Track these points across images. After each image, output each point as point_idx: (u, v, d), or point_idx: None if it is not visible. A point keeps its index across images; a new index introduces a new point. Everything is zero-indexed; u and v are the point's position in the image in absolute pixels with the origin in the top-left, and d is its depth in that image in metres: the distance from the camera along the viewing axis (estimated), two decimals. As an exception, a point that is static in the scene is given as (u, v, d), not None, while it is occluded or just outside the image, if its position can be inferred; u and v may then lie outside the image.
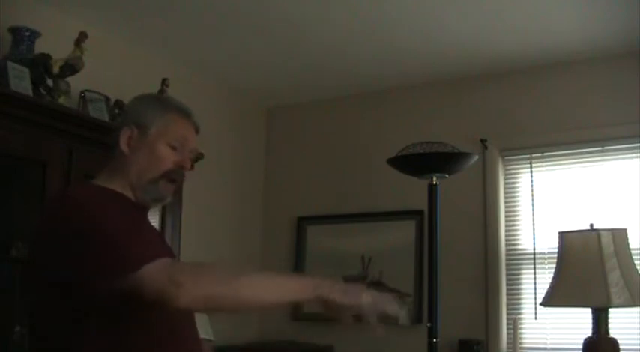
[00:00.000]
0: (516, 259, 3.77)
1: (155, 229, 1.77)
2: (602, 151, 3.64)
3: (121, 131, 1.63)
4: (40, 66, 2.79)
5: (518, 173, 3.86)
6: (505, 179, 3.87)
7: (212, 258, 3.96)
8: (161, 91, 3.27)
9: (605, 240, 3.03)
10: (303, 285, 1.45)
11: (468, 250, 3.81)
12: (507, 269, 3.77)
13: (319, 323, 4.14)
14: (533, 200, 3.76)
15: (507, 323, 3.69)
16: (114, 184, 1.60)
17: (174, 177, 1.63)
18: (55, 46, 2.91)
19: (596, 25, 3.32)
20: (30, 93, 2.67)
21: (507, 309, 3.73)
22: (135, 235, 1.41)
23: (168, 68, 3.68)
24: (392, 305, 1.51)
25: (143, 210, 1.66)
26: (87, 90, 3.05)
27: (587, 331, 3.09)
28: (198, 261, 1.42)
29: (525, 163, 3.83)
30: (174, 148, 1.62)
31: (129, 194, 1.62)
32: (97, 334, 1.40)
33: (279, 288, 1.43)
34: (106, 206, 1.47)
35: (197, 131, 1.70)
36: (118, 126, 1.67)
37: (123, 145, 1.61)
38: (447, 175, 3.16)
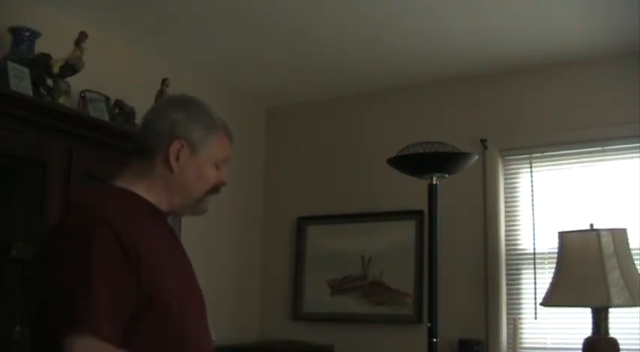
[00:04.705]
0: (516, 259, 3.77)
1: (170, 234, 1.72)
2: (602, 151, 3.64)
3: (167, 143, 1.59)
4: (40, 66, 2.78)
5: (518, 173, 3.86)
6: (505, 179, 3.87)
7: (212, 259, 3.96)
8: (161, 91, 3.27)
9: (605, 240, 3.04)
10: None
11: (468, 250, 3.81)
12: (507, 269, 3.77)
13: (319, 323, 4.15)
14: (533, 200, 3.76)
15: (507, 323, 3.69)
16: (138, 187, 1.59)
17: (214, 192, 1.67)
18: (55, 46, 2.91)
19: (597, 25, 3.32)
20: (30, 93, 2.66)
21: (507, 309, 3.73)
22: (106, 288, 1.38)
23: (169, 68, 3.68)
24: None
25: (162, 215, 1.65)
26: (87, 90, 3.05)
27: (587, 331, 3.10)
28: None
29: (525, 163, 3.83)
30: (217, 168, 1.65)
31: (153, 198, 1.60)
32: None
33: None
34: (106, 239, 1.42)
35: (232, 141, 1.72)
36: (160, 134, 1.60)
37: (172, 161, 1.59)
38: (447, 175, 3.16)
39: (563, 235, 3.20)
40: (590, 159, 3.67)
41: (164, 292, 1.47)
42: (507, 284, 3.76)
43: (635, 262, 3.11)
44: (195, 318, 1.58)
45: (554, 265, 3.25)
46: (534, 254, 3.69)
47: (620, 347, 3.05)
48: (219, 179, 1.66)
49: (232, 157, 1.71)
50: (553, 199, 3.71)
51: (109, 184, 1.63)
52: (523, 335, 3.65)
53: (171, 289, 1.50)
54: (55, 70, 2.84)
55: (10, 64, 2.64)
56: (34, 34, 2.86)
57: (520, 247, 3.78)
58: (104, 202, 1.51)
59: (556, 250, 3.24)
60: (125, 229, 1.44)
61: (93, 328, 1.33)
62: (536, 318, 3.61)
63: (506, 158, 3.88)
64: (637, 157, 3.54)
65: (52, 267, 1.43)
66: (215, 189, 1.66)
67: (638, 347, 3.30)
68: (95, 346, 1.33)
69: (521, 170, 3.85)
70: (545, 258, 3.65)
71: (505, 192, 3.86)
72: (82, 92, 3.03)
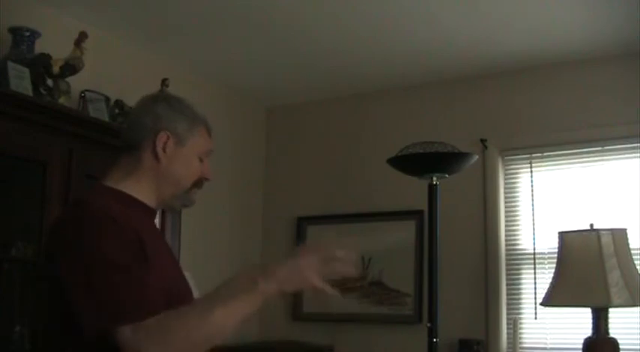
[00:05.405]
0: (516, 259, 3.77)
1: (157, 230, 1.77)
2: (602, 151, 3.64)
3: (153, 135, 1.62)
4: (40, 66, 2.78)
5: (518, 173, 3.86)
6: (505, 179, 3.87)
7: (212, 259, 3.96)
8: (161, 92, 3.27)
9: (605, 240, 3.03)
10: (249, 295, 1.40)
11: (468, 250, 3.81)
12: (507, 269, 3.77)
13: (319, 323, 4.15)
14: (533, 200, 3.76)
15: (507, 323, 3.69)
16: (127, 184, 1.61)
17: (197, 186, 1.71)
18: (55, 46, 2.91)
19: (596, 25, 3.32)
20: (30, 93, 2.67)
21: (507, 309, 3.73)
22: (128, 271, 1.38)
23: (169, 68, 3.68)
24: (344, 267, 1.42)
25: (152, 212, 1.68)
26: (87, 91, 3.05)
27: (587, 331, 3.10)
28: (160, 319, 1.33)
29: (525, 163, 3.83)
30: (200, 160, 1.69)
31: (143, 195, 1.62)
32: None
33: (233, 312, 1.38)
34: (114, 230, 1.43)
35: (210, 135, 1.75)
36: (145, 128, 1.64)
37: (159, 152, 1.62)
38: (447, 175, 3.16)
39: (563, 235, 3.19)
40: (590, 159, 3.67)
41: (164, 287, 1.48)
42: (507, 284, 3.76)
43: (635, 262, 3.10)
44: None
45: (554, 265, 3.25)
46: (534, 254, 3.69)
47: (620, 347, 3.04)
48: (203, 173, 1.69)
49: (214, 151, 1.74)
50: (553, 199, 3.71)
51: (99, 184, 1.63)
52: (523, 335, 3.65)
53: (170, 284, 1.51)
54: (55, 70, 2.84)
55: (10, 64, 2.65)
56: (34, 34, 2.87)
57: (520, 247, 3.78)
58: (103, 199, 1.54)
59: (556, 250, 3.24)
60: (127, 224, 1.46)
61: (126, 317, 1.32)
62: (536, 318, 3.61)
63: (506, 158, 3.88)
64: (637, 157, 3.54)
65: (63, 266, 1.42)
66: (199, 183, 1.69)
67: (638, 347, 3.30)
68: (138, 328, 1.32)
69: (521, 170, 3.85)
70: (545, 258, 3.65)
71: (505, 192, 3.86)
72: (82, 92, 3.03)
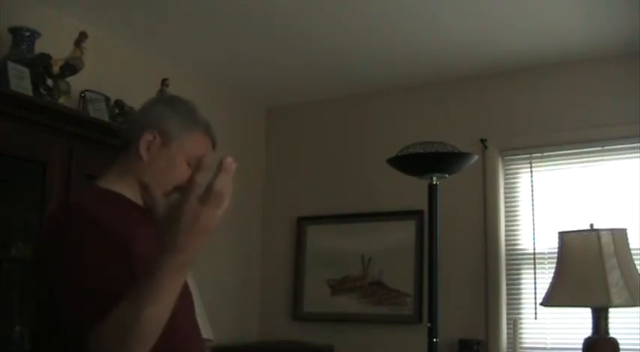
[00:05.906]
0: (516, 259, 3.77)
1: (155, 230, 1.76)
2: (602, 151, 3.64)
3: (142, 133, 1.59)
4: (40, 66, 2.78)
5: (518, 173, 3.86)
6: (505, 179, 3.87)
7: (212, 258, 3.96)
8: (161, 91, 3.27)
9: (605, 240, 3.04)
10: (173, 278, 1.31)
11: (468, 250, 3.81)
12: (507, 269, 3.77)
13: (319, 323, 4.15)
14: (533, 200, 3.76)
15: (507, 323, 3.69)
16: (122, 185, 1.59)
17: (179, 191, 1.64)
18: (55, 46, 2.91)
19: (596, 25, 3.32)
20: (30, 93, 2.66)
21: (507, 309, 3.73)
22: (109, 280, 1.36)
23: (169, 68, 3.68)
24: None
25: (148, 213, 1.66)
26: (87, 90, 3.05)
27: (587, 331, 3.10)
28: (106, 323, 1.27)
29: (525, 163, 3.83)
30: (189, 165, 1.60)
31: (136, 195, 1.60)
32: None
33: (166, 296, 1.29)
34: (100, 234, 1.41)
35: (214, 146, 1.67)
36: (139, 126, 1.61)
37: (142, 150, 1.58)
38: (447, 175, 3.16)
39: (563, 235, 3.20)
40: (590, 159, 3.67)
41: None
42: (507, 284, 3.76)
43: (635, 262, 3.11)
44: (185, 314, 1.58)
45: (554, 265, 3.25)
46: (534, 254, 3.69)
47: (620, 347, 3.05)
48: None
49: (211, 162, 1.68)
50: (553, 199, 3.71)
51: (95, 185, 1.62)
52: (523, 335, 3.65)
53: None
54: (55, 70, 2.84)
55: (10, 64, 2.65)
56: (34, 34, 2.87)
57: (520, 247, 3.78)
58: (93, 203, 1.52)
59: (556, 250, 3.24)
60: (115, 227, 1.44)
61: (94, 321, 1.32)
62: (536, 318, 3.61)
63: (506, 158, 3.88)
64: (637, 157, 3.54)
65: (49, 269, 1.43)
66: (179, 189, 1.58)
67: (638, 347, 3.30)
68: (101, 333, 1.31)
69: (521, 170, 3.85)
70: (545, 258, 3.65)
71: (505, 192, 3.86)
72: (82, 92, 3.03)
